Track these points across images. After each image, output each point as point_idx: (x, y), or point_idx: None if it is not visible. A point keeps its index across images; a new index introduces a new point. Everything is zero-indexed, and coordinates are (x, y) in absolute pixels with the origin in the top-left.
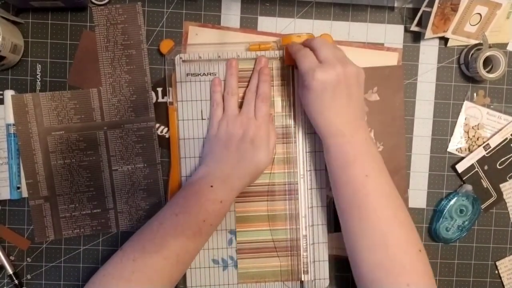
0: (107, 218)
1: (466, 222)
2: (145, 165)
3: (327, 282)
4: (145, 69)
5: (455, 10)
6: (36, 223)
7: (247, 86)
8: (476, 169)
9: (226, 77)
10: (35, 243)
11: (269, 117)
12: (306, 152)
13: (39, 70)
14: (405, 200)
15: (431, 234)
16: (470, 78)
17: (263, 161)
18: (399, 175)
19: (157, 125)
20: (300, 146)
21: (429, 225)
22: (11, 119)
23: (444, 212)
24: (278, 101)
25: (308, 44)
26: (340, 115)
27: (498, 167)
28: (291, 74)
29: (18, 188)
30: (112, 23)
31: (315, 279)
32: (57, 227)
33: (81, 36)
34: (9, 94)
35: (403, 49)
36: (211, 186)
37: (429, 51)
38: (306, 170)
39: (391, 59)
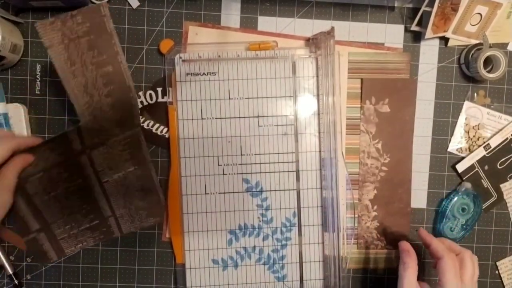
0: (108, 225)
1: (469, 220)
2: (136, 167)
3: (321, 283)
4: (129, 85)
5: (455, 10)
6: (35, 253)
7: None
8: (477, 169)
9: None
10: None
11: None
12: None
13: (38, 70)
14: (408, 213)
15: (435, 235)
16: (471, 78)
17: None
18: (404, 188)
19: (157, 125)
20: (294, 146)
21: (432, 226)
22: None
23: (447, 213)
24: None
25: (456, 250)
26: None
27: (499, 167)
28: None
29: None
30: (71, 39)
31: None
32: (58, 249)
33: None
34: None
35: (403, 49)
36: None
37: (429, 51)
38: (300, 171)
39: (399, 59)
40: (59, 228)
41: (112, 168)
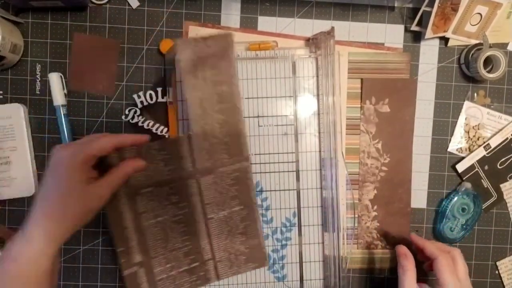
0: (206, 270)
1: (469, 220)
2: (242, 207)
3: (321, 283)
4: (239, 107)
5: (455, 10)
6: None
7: None
8: (477, 169)
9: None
10: None
11: (92, 148)
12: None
13: (38, 70)
14: (408, 214)
15: (435, 236)
16: (471, 78)
17: (87, 198)
18: (404, 188)
19: (157, 125)
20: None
21: (432, 226)
22: (59, 100)
23: (447, 213)
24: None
25: (446, 250)
26: None
27: (499, 167)
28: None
29: None
30: (199, 57)
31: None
32: None
33: (73, 39)
34: (53, 75)
35: (403, 49)
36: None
37: (429, 51)
38: (300, 171)
39: (399, 59)
40: (160, 266)
41: (219, 204)
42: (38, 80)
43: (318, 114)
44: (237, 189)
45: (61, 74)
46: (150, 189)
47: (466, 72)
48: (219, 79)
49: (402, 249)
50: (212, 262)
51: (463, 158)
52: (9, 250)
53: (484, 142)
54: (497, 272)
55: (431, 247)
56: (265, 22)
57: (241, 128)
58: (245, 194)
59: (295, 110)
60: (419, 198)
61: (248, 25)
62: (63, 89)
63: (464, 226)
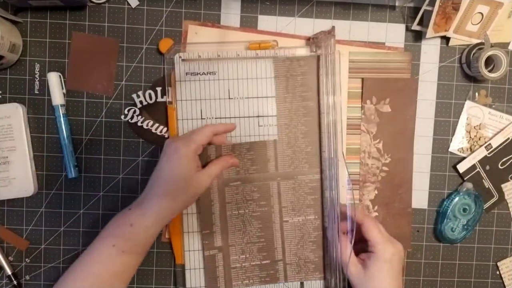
0: (276, 269)
1: (471, 221)
2: (316, 217)
3: (321, 283)
4: (320, 122)
5: (456, 9)
6: (208, 273)
7: None
8: (478, 169)
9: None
10: (34, 243)
11: (202, 141)
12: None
13: (37, 70)
14: (409, 214)
15: (436, 236)
16: (472, 78)
17: (187, 186)
18: (404, 188)
19: (156, 124)
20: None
21: (433, 226)
22: (58, 100)
23: (448, 213)
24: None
25: (363, 218)
26: None
27: (500, 167)
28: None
29: (77, 166)
30: (292, 75)
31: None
32: (227, 277)
33: (72, 38)
34: (52, 75)
35: (404, 49)
36: (129, 209)
37: (430, 50)
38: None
39: (401, 59)
40: (235, 255)
41: (295, 209)
42: (37, 80)
43: (319, 114)
44: (313, 198)
45: (60, 74)
46: (237, 183)
47: (467, 72)
48: (306, 95)
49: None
50: (282, 264)
51: (464, 158)
52: (127, 216)
53: (486, 142)
54: (498, 272)
55: (358, 213)
56: (265, 21)
57: (321, 141)
58: (319, 205)
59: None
60: (420, 199)
61: (248, 24)
62: (62, 88)
63: (465, 227)
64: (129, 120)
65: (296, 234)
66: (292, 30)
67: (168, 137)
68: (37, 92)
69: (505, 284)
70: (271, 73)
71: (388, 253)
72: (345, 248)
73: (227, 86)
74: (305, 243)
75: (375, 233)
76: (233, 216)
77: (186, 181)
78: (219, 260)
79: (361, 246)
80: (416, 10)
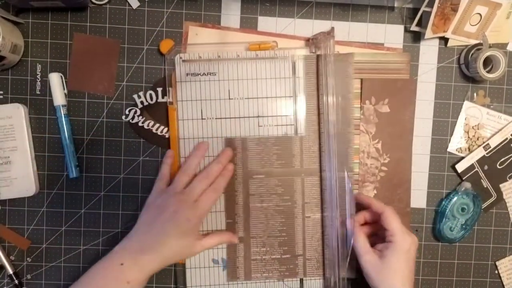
0: (295, 264)
1: (469, 220)
2: (340, 215)
3: (321, 283)
4: (350, 118)
5: (455, 10)
6: (229, 262)
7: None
8: (476, 169)
9: (190, 156)
10: (35, 243)
11: (209, 208)
12: None
13: (39, 70)
14: (408, 214)
15: (435, 235)
16: (470, 78)
17: (184, 251)
18: (403, 188)
19: (157, 125)
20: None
21: (432, 226)
22: (59, 100)
23: (446, 212)
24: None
25: (384, 208)
26: (411, 280)
27: (498, 167)
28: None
29: (78, 166)
30: (321, 74)
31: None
32: (247, 268)
33: (73, 39)
34: (54, 75)
35: (403, 49)
36: (121, 264)
37: (429, 51)
38: None
39: (401, 59)
40: (256, 247)
41: (318, 206)
42: (38, 80)
43: (318, 114)
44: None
45: (61, 74)
46: (261, 176)
47: (465, 72)
48: (336, 92)
49: (347, 221)
50: (302, 259)
51: (462, 158)
52: (122, 273)
53: (484, 142)
54: (496, 272)
55: (378, 202)
56: (265, 22)
57: (350, 139)
58: (342, 203)
59: (295, 110)
60: (418, 198)
61: (248, 25)
62: (63, 89)
63: (463, 226)
64: (130, 121)
65: (317, 231)
66: (291, 31)
67: (168, 137)
68: (39, 93)
69: (504, 283)
70: (300, 72)
71: (407, 243)
72: (358, 237)
73: (228, 86)
74: (325, 239)
75: (395, 223)
76: (256, 208)
77: (186, 248)
78: (239, 251)
79: (374, 239)
80: (414, 11)
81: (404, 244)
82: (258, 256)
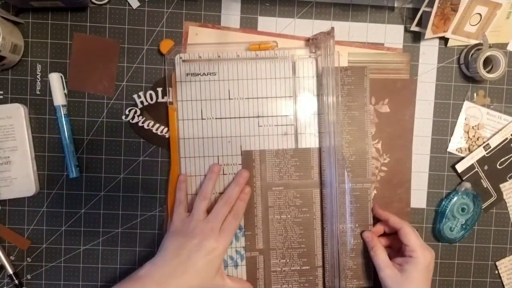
0: (315, 275)
1: (469, 220)
2: (357, 225)
3: (321, 283)
4: (366, 130)
5: (455, 10)
6: (249, 274)
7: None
8: (476, 169)
9: (205, 181)
10: (35, 243)
11: (232, 236)
12: None
13: (39, 70)
14: (408, 213)
15: (435, 235)
16: (470, 78)
17: (207, 282)
18: (403, 188)
19: (157, 125)
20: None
21: (432, 226)
22: (60, 101)
23: (446, 213)
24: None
25: (401, 223)
26: None
27: (498, 167)
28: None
29: (78, 166)
30: (339, 84)
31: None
32: (267, 280)
33: (73, 39)
34: (54, 76)
35: (403, 49)
36: None
37: (429, 51)
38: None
39: (401, 59)
40: (276, 259)
41: (336, 217)
42: (38, 80)
43: (318, 114)
44: (355, 207)
45: (61, 74)
46: (280, 188)
47: (465, 72)
48: (352, 105)
49: (366, 234)
50: (321, 270)
51: (462, 158)
52: None
53: (484, 142)
54: (496, 272)
55: (395, 218)
56: (265, 23)
57: (367, 151)
58: (362, 215)
59: (295, 110)
60: (418, 198)
61: (248, 25)
62: (64, 89)
63: (463, 226)
64: (130, 121)
65: (336, 241)
66: (291, 31)
67: (168, 137)
68: (39, 93)
69: (504, 283)
70: (300, 72)
71: (427, 259)
72: (378, 250)
73: (228, 86)
74: (345, 250)
75: (414, 239)
76: (275, 220)
77: (209, 279)
78: (259, 263)
79: (389, 251)
80: (414, 11)
81: (424, 260)
82: (278, 268)
